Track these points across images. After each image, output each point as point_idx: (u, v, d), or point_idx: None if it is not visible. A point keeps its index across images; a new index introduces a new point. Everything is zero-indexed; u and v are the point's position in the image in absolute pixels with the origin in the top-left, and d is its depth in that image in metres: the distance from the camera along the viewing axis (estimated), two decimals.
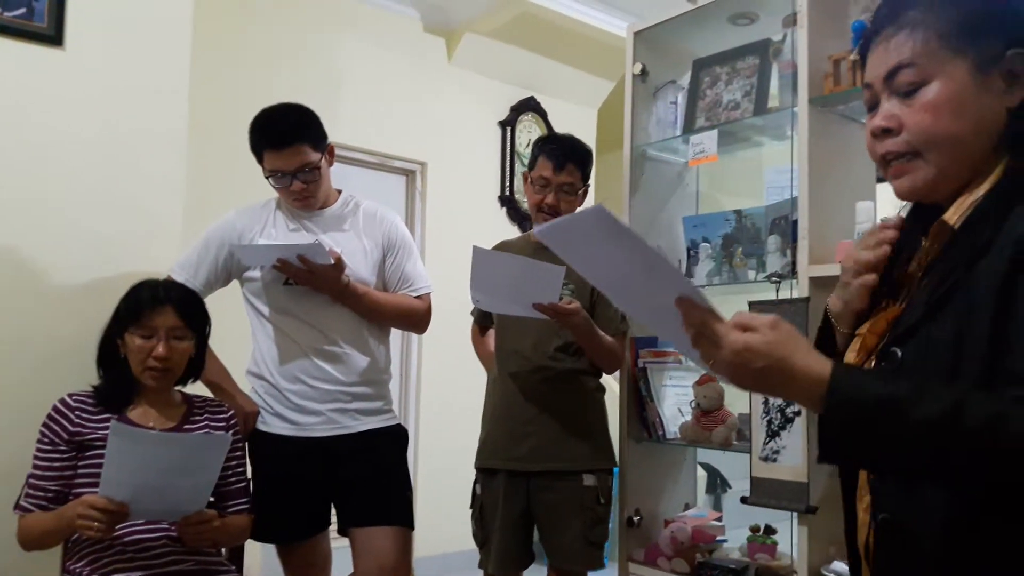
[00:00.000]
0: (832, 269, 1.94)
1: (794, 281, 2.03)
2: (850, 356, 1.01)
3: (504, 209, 4.53)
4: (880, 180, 0.98)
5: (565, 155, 2.19)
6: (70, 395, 1.80)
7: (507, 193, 4.52)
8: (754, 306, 2.03)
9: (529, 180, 2.25)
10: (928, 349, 0.88)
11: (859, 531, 0.98)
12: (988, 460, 0.80)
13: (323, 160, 2.08)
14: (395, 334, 2.29)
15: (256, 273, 2.09)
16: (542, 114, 4.66)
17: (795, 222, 2.04)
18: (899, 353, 0.91)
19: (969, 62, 0.90)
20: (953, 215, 0.92)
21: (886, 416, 0.82)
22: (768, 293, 2.09)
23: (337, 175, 2.26)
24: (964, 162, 0.92)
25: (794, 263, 2.03)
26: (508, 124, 4.53)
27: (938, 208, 0.96)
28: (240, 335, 2.15)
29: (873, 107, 0.97)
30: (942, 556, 0.87)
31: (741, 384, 0.91)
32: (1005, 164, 0.91)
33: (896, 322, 0.95)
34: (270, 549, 2.16)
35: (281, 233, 2.11)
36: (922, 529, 0.89)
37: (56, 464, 1.74)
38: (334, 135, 3.85)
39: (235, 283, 2.16)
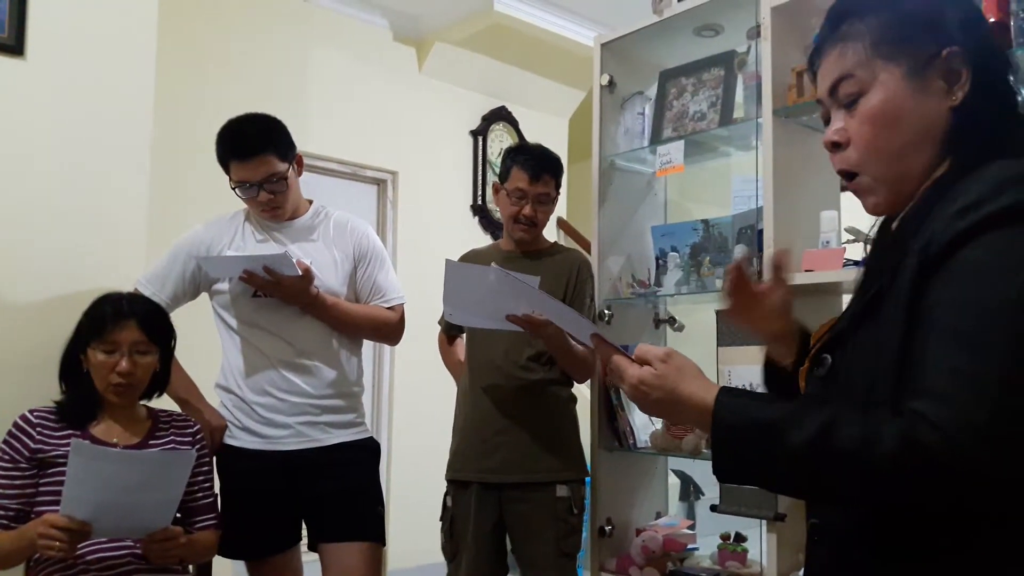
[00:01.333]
0: (797, 278, 1.96)
1: None
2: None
3: (476, 218, 4.53)
4: (844, 189, 1.00)
5: (540, 166, 2.19)
6: (31, 411, 1.77)
7: (479, 202, 4.52)
8: (720, 315, 2.05)
9: (503, 192, 2.25)
10: (854, 356, 0.90)
11: None
12: (859, 482, 0.80)
13: (291, 170, 2.07)
14: (367, 345, 2.28)
15: (224, 286, 2.07)
16: (513, 123, 4.68)
17: (761, 231, 2.06)
18: (829, 359, 0.93)
19: (903, 67, 0.90)
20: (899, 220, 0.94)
21: (765, 440, 0.84)
22: None
23: (308, 184, 2.24)
24: (911, 171, 0.92)
25: (760, 272, 2.05)
26: (479, 133, 4.53)
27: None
28: (211, 348, 2.13)
29: (828, 122, 0.98)
30: (866, 556, 0.88)
31: (644, 411, 0.99)
32: (948, 164, 0.90)
33: (831, 328, 0.97)
34: (240, 565, 2.13)
35: (249, 245, 2.09)
36: (846, 531, 0.90)
37: (17, 482, 1.71)
38: (305, 145, 3.79)
39: (205, 296, 2.14)
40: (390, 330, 2.20)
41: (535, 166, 2.18)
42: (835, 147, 0.95)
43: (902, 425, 0.77)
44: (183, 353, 1.96)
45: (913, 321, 0.81)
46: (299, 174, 2.12)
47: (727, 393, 0.89)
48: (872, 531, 0.87)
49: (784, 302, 1.14)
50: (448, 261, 2.00)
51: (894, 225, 0.94)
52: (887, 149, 0.91)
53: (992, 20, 1.69)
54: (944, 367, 0.77)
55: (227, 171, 2.04)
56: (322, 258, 2.10)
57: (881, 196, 0.94)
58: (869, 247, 1.05)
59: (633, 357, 0.97)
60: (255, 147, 1.99)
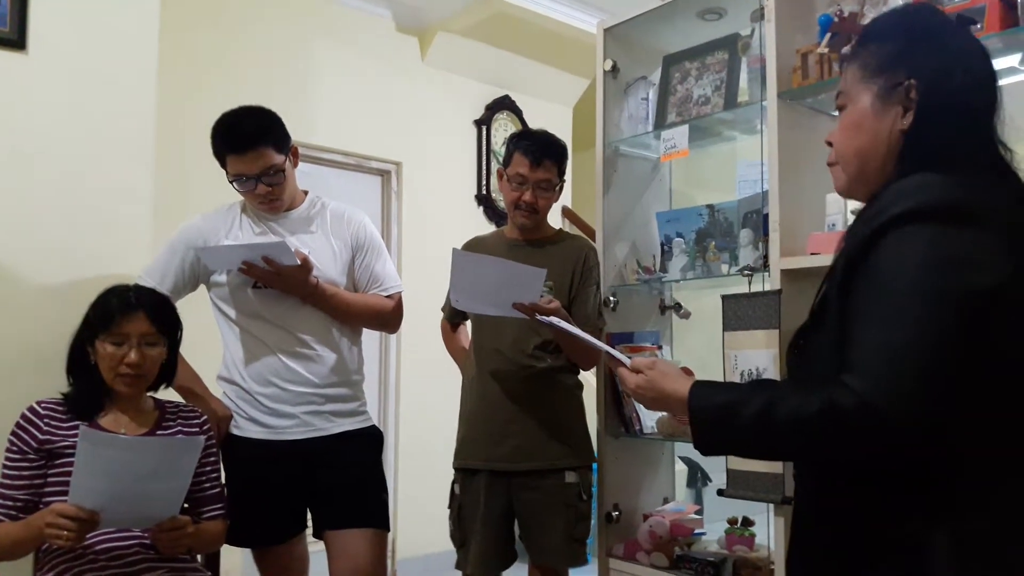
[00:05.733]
0: (803, 261, 1.95)
1: (766, 274, 2.04)
2: None
3: (481, 208, 4.52)
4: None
5: (542, 151, 2.18)
6: (39, 403, 1.78)
7: (484, 192, 4.51)
8: (727, 300, 2.04)
9: (505, 177, 2.24)
10: (811, 353, 1.08)
11: None
12: (795, 444, 1.00)
13: (287, 162, 2.06)
14: (374, 335, 2.28)
15: (223, 278, 2.07)
16: (517, 112, 4.66)
17: (766, 216, 2.05)
18: (802, 342, 1.11)
19: (874, 90, 1.10)
20: None
21: (725, 418, 1.04)
22: (741, 286, 2.10)
23: (312, 176, 2.25)
24: (867, 171, 1.11)
25: (766, 256, 2.05)
26: (483, 123, 4.52)
27: None
28: (211, 340, 2.13)
29: None
30: (817, 529, 1.06)
31: (647, 408, 1.30)
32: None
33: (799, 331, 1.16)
34: (248, 555, 2.14)
35: (247, 236, 2.08)
36: (804, 508, 1.10)
37: (25, 473, 1.71)
38: (308, 136, 3.79)
39: (203, 288, 2.14)
40: (389, 318, 2.21)
41: (536, 151, 2.17)
42: (829, 145, 1.19)
43: (825, 392, 0.95)
44: (182, 345, 1.96)
45: (844, 310, 1.00)
46: (295, 165, 2.12)
47: (698, 384, 1.11)
48: (820, 500, 1.06)
49: None
50: (455, 250, 2.01)
51: None
52: (847, 150, 1.13)
53: None
54: (860, 343, 0.96)
55: (223, 165, 2.03)
56: (321, 248, 2.09)
57: (843, 183, 1.17)
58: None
59: (629, 367, 1.23)
60: (251, 140, 1.97)
